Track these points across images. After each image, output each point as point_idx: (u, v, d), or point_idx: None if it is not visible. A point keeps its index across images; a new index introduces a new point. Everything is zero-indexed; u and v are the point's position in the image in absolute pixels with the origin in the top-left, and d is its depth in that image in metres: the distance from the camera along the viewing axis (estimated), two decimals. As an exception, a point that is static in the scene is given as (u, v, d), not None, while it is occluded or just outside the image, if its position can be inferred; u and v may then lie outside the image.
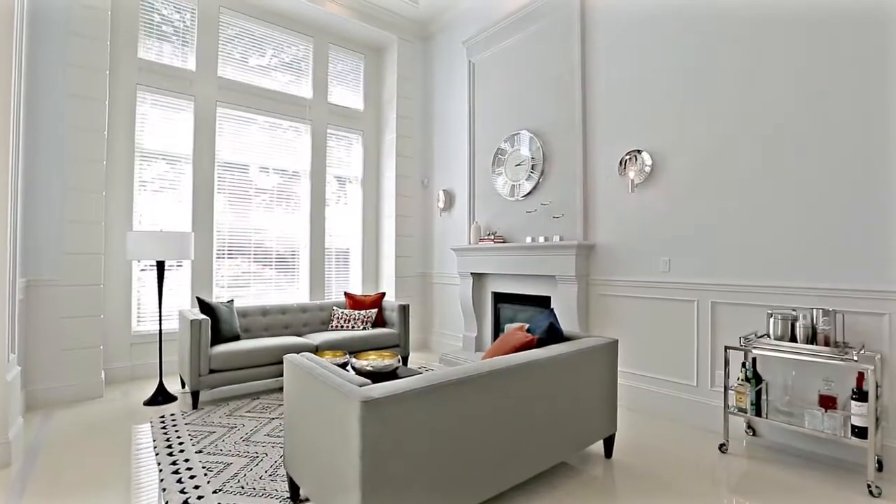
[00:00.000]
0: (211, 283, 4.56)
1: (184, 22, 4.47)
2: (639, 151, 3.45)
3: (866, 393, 2.22)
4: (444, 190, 5.34)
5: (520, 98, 4.43)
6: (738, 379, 2.71)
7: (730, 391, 2.73)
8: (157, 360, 4.19)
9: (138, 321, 4.24)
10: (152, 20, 4.30)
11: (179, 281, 4.46)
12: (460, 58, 5.22)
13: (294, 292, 5.13)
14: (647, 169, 3.41)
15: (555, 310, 4.05)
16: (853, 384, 2.46)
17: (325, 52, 5.33)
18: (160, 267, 3.64)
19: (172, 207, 4.39)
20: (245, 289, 4.83)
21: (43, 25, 3.44)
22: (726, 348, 2.72)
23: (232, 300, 4.07)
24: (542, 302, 4.23)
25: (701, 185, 3.15)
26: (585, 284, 3.84)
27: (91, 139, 3.62)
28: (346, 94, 5.57)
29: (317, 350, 3.91)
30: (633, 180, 3.49)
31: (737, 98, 2.98)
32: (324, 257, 5.26)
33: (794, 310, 2.69)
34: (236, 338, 3.88)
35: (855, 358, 2.25)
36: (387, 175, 5.59)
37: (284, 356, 2.19)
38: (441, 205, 5.32)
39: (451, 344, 5.28)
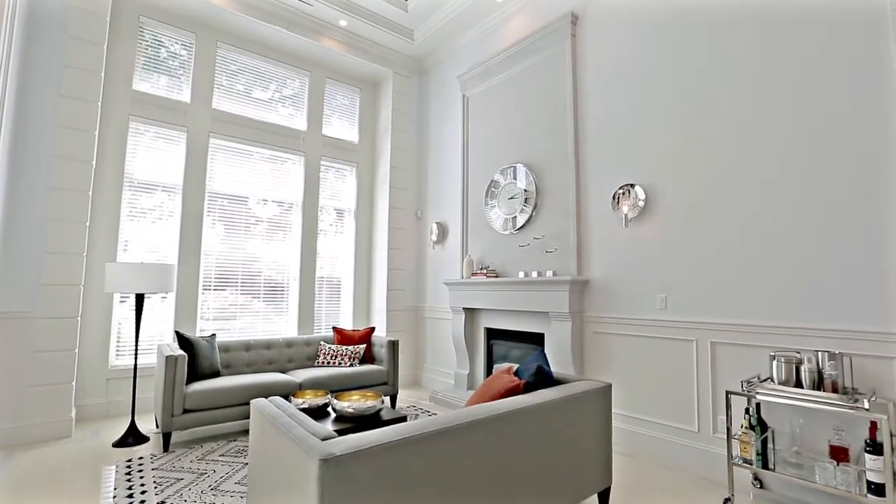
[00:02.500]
0: (195, 316, 4.42)
1: (180, 55, 4.52)
2: (632, 185, 3.39)
3: (881, 445, 2.06)
4: (437, 223, 5.27)
5: (513, 131, 4.42)
6: (742, 426, 2.53)
7: (734, 440, 2.56)
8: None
9: (117, 355, 4.08)
10: (149, 53, 4.35)
11: (163, 313, 4.32)
12: (454, 92, 5.26)
13: (283, 325, 4.98)
14: (641, 203, 3.34)
15: (547, 348, 3.91)
16: (865, 434, 2.29)
17: (322, 86, 5.39)
18: (139, 300, 3.51)
19: (159, 238, 4.31)
20: (231, 321, 4.68)
21: (34, 55, 3.45)
22: (728, 393, 2.56)
23: (214, 335, 3.92)
24: (536, 339, 4.08)
25: (697, 221, 3.06)
26: (580, 321, 3.70)
27: (78, 169, 3.57)
28: (342, 126, 5.59)
29: (300, 387, 3.73)
30: (626, 214, 3.41)
31: (733, 133, 2.93)
32: (313, 290, 5.13)
33: (798, 352, 2.55)
34: (216, 374, 3.71)
35: (866, 406, 2.10)
36: (380, 207, 5.54)
37: (252, 401, 2.04)
38: (434, 238, 5.24)
39: (443, 381, 5.08)
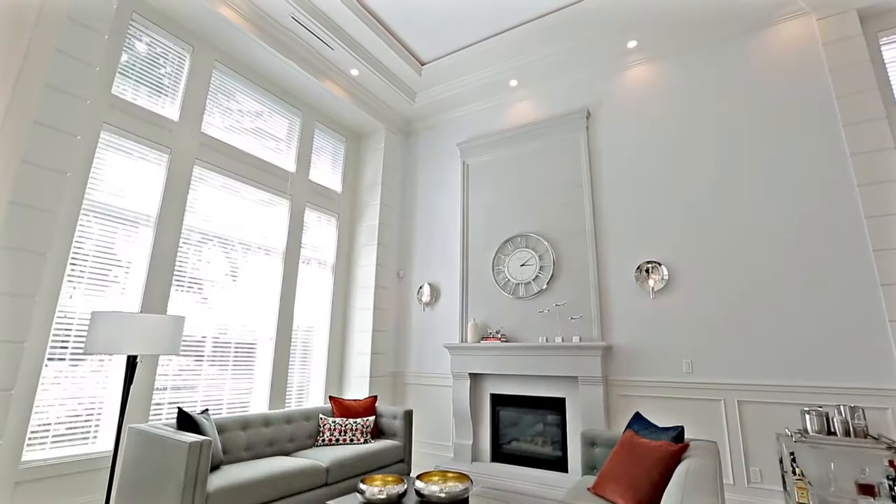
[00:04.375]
0: (152, 383, 3.37)
1: (170, 66, 3.79)
2: (658, 263, 3.91)
3: (913, 479, 2.67)
4: (429, 283, 5.13)
5: (524, 203, 4.72)
6: (788, 473, 2.98)
7: (792, 486, 2.98)
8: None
9: (28, 445, 2.82)
10: (136, 56, 3.56)
11: (100, 380, 3.17)
12: (453, 157, 5.42)
13: (252, 395, 4.08)
14: (665, 278, 3.86)
15: (572, 412, 4.02)
16: (882, 471, 2.92)
17: (312, 129, 5.01)
18: (131, 366, 2.59)
19: (115, 282, 3.29)
20: (191, 392, 3.67)
21: (21, 29, 2.57)
22: (779, 437, 3.01)
23: (206, 409, 3.05)
24: (554, 404, 4.15)
25: (716, 293, 3.67)
26: (606, 385, 3.94)
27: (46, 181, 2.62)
28: (326, 174, 5.21)
29: (327, 472, 3.09)
30: (653, 288, 3.89)
31: (746, 214, 3.67)
32: (289, 352, 4.39)
33: (820, 406, 3.18)
34: (218, 465, 2.85)
35: (899, 448, 2.72)
36: (363, 263, 5.17)
37: None
38: (426, 299, 5.06)
39: (435, 454, 4.69)
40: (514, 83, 4.95)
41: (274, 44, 4.15)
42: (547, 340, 4.21)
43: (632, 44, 4.32)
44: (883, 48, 3.54)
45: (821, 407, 3.18)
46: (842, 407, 3.01)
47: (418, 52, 4.81)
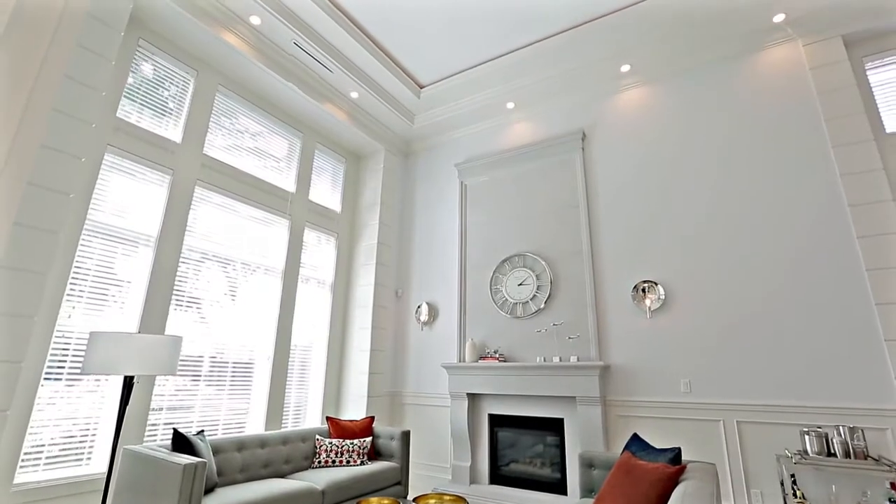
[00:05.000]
0: (147, 404, 3.35)
1: (175, 90, 3.89)
2: (655, 283, 3.93)
3: (915, 501, 2.64)
4: (427, 303, 5.14)
5: (521, 222, 4.77)
6: (789, 495, 2.95)
7: (791, 510, 2.94)
8: (54, 533, 2.75)
9: (21, 467, 2.80)
10: (141, 80, 3.65)
11: (95, 401, 3.16)
12: (450, 178, 5.49)
13: (245, 414, 4.05)
14: (662, 297, 3.88)
15: (570, 432, 3.99)
16: (884, 493, 2.89)
17: (312, 150, 5.10)
18: (127, 386, 2.60)
19: (115, 302, 3.31)
20: (187, 412, 3.65)
21: (30, 56, 2.65)
22: (779, 458, 2.98)
23: (202, 431, 3.04)
24: (552, 425, 4.12)
25: (714, 312, 3.68)
26: (604, 405, 3.91)
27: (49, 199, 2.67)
28: (325, 194, 5.27)
29: (323, 495, 3.05)
30: (650, 307, 3.90)
31: (743, 232, 3.70)
32: (286, 372, 4.38)
33: (819, 427, 3.16)
34: (212, 487, 2.82)
35: (900, 470, 2.69)
36: (361, 283, 5.19)
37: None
38: (424, 318, 5.06)
39: (433, 476, 4.63)
40: (510, 105, 5.05)
41: (276, 68, 4.26)
42: (545, 360, 4.20)
43: (625, 67, 4.43)
44: (868, 73, 3.63)
45: (820, 427, 3.16)
46: (841, 428, 2.99)
47: (417, 75, 4.93)
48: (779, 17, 3.76)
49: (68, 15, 2.06)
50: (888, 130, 3.49)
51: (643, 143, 4.34)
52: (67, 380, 3.02)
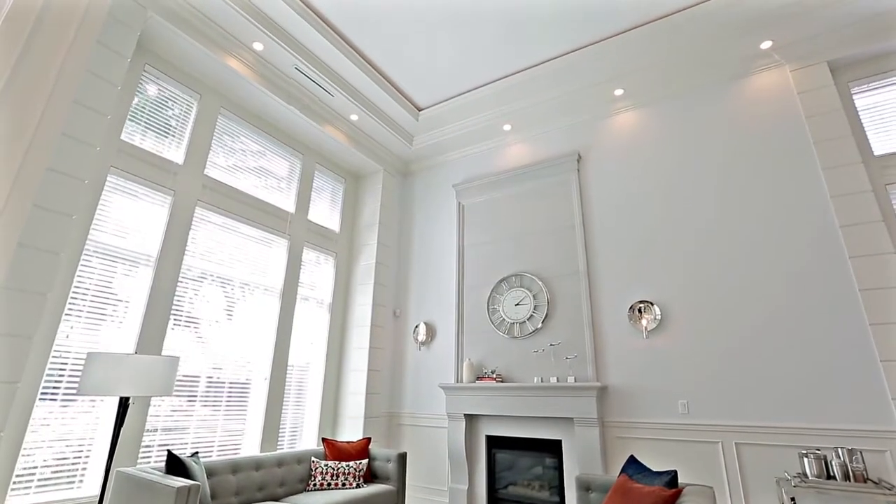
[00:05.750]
0: (142, 425, 3.33)
1: (179, 113, 3.98)
2: (651, 303, 3.95)
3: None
4: (425, 322, 5.14)
5: (518, 243, 4.81)
6: (794, 521, 2.91)
7: (791, 534, 2.90)
8: (44, 558, 2.70)
9: (12, 490, 2.77)
10: (145, 104, 3.74)
11: (90, 422, 3.14)
12: (448, 198, 5.56)
13: (240, 435, 4.01)
14: (658, 317, 3.89)
15: (568, 454, 3.95)
16: (885, 518, 2.85)
17: (312, 171, 5.18)
18: (123, 407, 2.59)
19: (114, 321, 3.32)
20: (182, 434, 3.62)
21: (39, 82, 2.73)
22: (779, 482, 2.95)
23: (196, 453, 3.01)
24: (550, 447, 4.08)
25: (711, 332, 3.68)
26: (602, 426, 3.89)
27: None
28: (324, 214, 5.33)
29: (317, 520, 3.01)
30: (646, 327, 3.91)
31: (738, 253, 3.74)
32: (283, 393, 4.35)
33: (818, 449, 3.13)
34: (206, 510, 2.79)
35: (899, 493, 2.67)
36: (359, 302, 5.20)
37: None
38: (421, 338, 5.06)
39: (430, 500, 4.56)
40: (507, 127, 5.15)
41: (278, 92, 4.36)
42: (542, 380, 4.19)
43: (618, 91, 4.54)
44: (854, 97, 3.73)
45: (819, 450, 3.14)
46: (840, 450, 2.97)
47: (415, 98, 5.04)
48: (766, 44, 3.87)
49: (78, 43, 2.14)
50: (876, 153, 3.56)
51: (638, 165, 4.42)
52: (63, 400, 3.01)
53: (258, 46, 4.04)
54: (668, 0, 3.75)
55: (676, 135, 4.31)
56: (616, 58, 4.24)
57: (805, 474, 3.01)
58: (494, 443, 4.37)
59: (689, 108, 4.33)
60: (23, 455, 2.82)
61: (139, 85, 3.70)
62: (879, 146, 3.57)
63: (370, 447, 4.07)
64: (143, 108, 3.73)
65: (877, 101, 3.69)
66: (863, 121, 3.66)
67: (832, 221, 3.46)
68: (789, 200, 3.65)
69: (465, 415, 4.43)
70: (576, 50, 4.30)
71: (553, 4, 3.82)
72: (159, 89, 3.86)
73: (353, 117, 4.99)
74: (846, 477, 2.89)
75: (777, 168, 3.76)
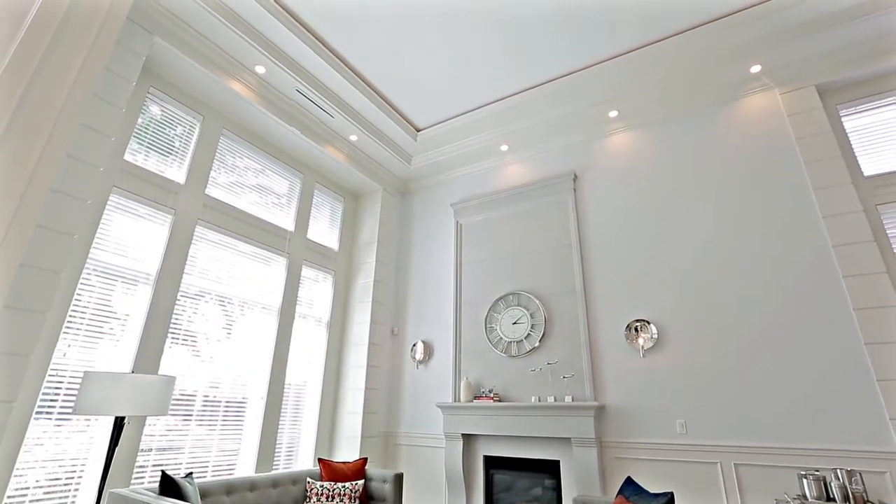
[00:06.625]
0: (136, 445, 3.31)
1: (182, 133, 4.06)
2: (647, 322, 3.96)
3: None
4: (422, 341, 5.14)
5: (516, 262, 4.84)
6: (794, 544, 2.87)
7: (793, 558, 2.85)
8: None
9: (5, 511, 2.74)
10: (148, 124, 3.82)
11: (83, 441, 3.12)
12: (446, 217, 5.61)
13: (235, 455, 3.97)
14: (655, 336, 3.90)
15: (566, 475, 3.91)
16: (887, 541, 2.81)
17: (312, 190, 5.24)
18: (118, 427, 2.59)
19: (112, 336, 3.33)
20: (178, 453, 3.59)
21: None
22: (781, 512, 2.91)
23: (190, 473, 2.99)
24: (549, 467, 4.04)
25: (708, 350, 3.69)
26: (599, 447, 3.85)
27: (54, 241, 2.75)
28: (324, 232, 5.38)
29: (311, 543, 2.97)
30: (643, 346, 3.92)
31: (733, 273, 3.76)
32: (279, 412, 4.32)
33: (817, 470, 3.11)
34: (198, 532, 2.76)
35: (899, 515, 2.64)
36: (357, 320, 5.21)
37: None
38: (419, 357, 5.05)
39: (426, 523, 4.49)
40: (504, 148, 5.24)
41: (279, 113, 4.45)
42: (539, 400, 4.17)
43: (613, 113, 4.64)
44: (843, 119, 3.81)
45: (818, 471, 3.12)
46: (839, 471, 2.94)
47: (414, 119, 5.14)
48: (755, 68, 3.97)
49: (87, 69, 2.21)
50: (866, 174, 3.62)
51: (633, 185, 4.48)
52: (57, 419, 3.00)
53: (260, 70, 4.15)
54: (660, 25, 3.87)
55: (671, 155, 4.38)
56: (609, 81, 4.34)
57: (804, 496, 2.98)
58: (492, 463, 4.33)
59: (682, 129, 4.41)
60: (15, 476, 2.80)
61: (143, 106, 3.79)
62: (869, 167, 3.63)
63: (366, 467, 4.02)
64: (146, 127, 3.81)
65: (865, 123, 3.77)
66: (852, 142, 3.73)
67: (825, 241, 3.50)
68: (784, 220, 3.70)
69: (462, 434, 4.39)
70: (570, 73, 4.41)
71: (547, 30, 3.93)
72: (163, 111, 3.95)
73: (353, 138, 5.08)
74: (846, 499, 2.86)
75: (771, 188, 3.82)
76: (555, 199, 4.85)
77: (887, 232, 3.41)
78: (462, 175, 5.67)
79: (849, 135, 3.77)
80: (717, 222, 3.96)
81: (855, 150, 3.70)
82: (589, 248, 4.50)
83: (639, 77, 4.26)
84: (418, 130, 5.32)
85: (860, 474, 2.99)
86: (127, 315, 3.44)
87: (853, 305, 3.26)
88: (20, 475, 2.83)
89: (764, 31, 3.74)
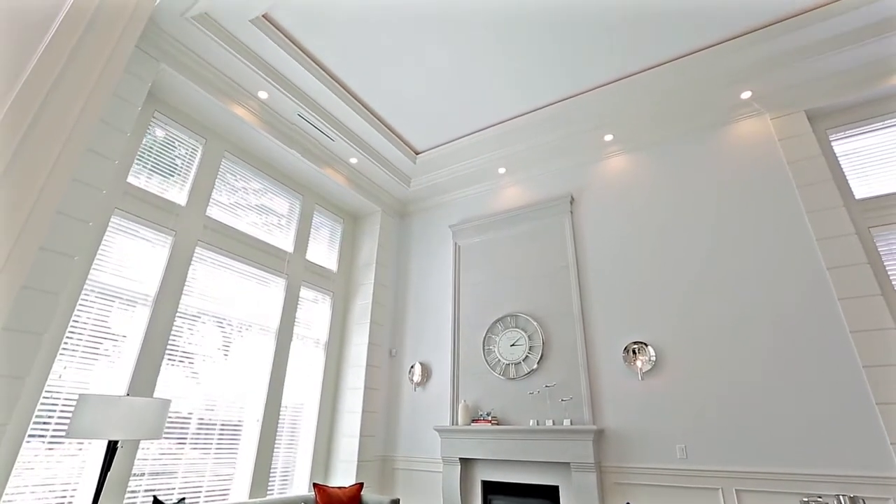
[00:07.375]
0: (129, 469, 3.26)
1: (184, 156, 4.13)
2: (645, 344, 3.96)
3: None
4: (420, 363, 5.11)
5: (513, 284, 4.86)
6: (799, 574, 2.80)
7: (796, 589, 2.78)
8: None
9: (-7, 539, 2.69)
10: (152, 148, 3.89)
11: (75, 466, 3.08)
12: (445, 239, 5.65)
13: (229, 480, 3.91)
14: (653, 359, 3.88)
15: (566, 502, 3.83)
16: (893, 571, 2.75)
17: (311, 211, 5.30)
18: (111, 451, 2.56)
19: (108, 357, 3.32)
20: (171, 478, 3.54)
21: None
22: (784, 540, 2.86)
23: (184, 498, 2.94)
24: (548, 493, 3.97)
25: (707, 373, 3.67)
26: (599, 472, 3.80)
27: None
28: (322, 254, 5.41)
29: (305, 572, 2.90)
30: (641, 369, 3.90)
31: (731, 295, 3.76)
32: (275, 435, 4.27)
33: (819, 496, 3.06)
34: (189, 560, 2.70)
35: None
36: (355, 342, 5.19)
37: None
38: (417, 379, 5.02)
39: (423, 551, 4.38)
40: (502, 170, 5.32)
41: (280, 137, 4.54)
42: (538, 423, 4.13)
43: (608, 137, 4.73)
44: (833, 144, 3.89)
45: (820, 497, 3.07)
46: (842, 497, 2.89)
47: (413, 142, 5.23)
48: (746, 94, 4.07)
49: (94, 97, 2.27)
50: (857, 197, 3.67)
51: (629, 207, 4.53)
52: (50, 442, 2.97)
53: (263, 95, 4.25)
54: (653, 52, 3.98)
55: (666, 178, 4.44)
56: (604, 106, 4.44)
57: (808, 523, 2.93)
58: (490, 488, 4.25)
59: (677, 153, 4.49)
60: (4, 501, 2.76)
61: (148, 130, 3.87)
62: (860, 190, 3.69)
63: (363, 493, 3.96)
64: (149, 148, 3.88)
65: (855, 148, 3.84)
66: (843, 166, 3.80)
67: (820, 264, 3.52)
68: (779, 242, 3.73)
69: (460, 459, 4.33)
70: (567, 98, 4.51)
71: (544, 56, 4.04)
72: (167, 134, 4.03)
73: (353, 160, 5.16)
74: (849, 526, 2.81)
75: (765, 211, 3.87)
76: (552, 221, 4.90)
77: (881, 254, 3.44)
78: (460, 197, 5.74)
79: (839, 159, 3.84)
80: (713, 243, 3.99)
81: (846, 174, 3.76)
82: (586, 269, 4.53)
83: (633, 102, 4.36)
84: (417, 153, 5.41)
85: (863, 500, 2.94)
86: (124, 336, 3.44)
87: (850, 328, 3.27)
88: (9, 501, 2.78)
89: (754, 58, 3.84)
